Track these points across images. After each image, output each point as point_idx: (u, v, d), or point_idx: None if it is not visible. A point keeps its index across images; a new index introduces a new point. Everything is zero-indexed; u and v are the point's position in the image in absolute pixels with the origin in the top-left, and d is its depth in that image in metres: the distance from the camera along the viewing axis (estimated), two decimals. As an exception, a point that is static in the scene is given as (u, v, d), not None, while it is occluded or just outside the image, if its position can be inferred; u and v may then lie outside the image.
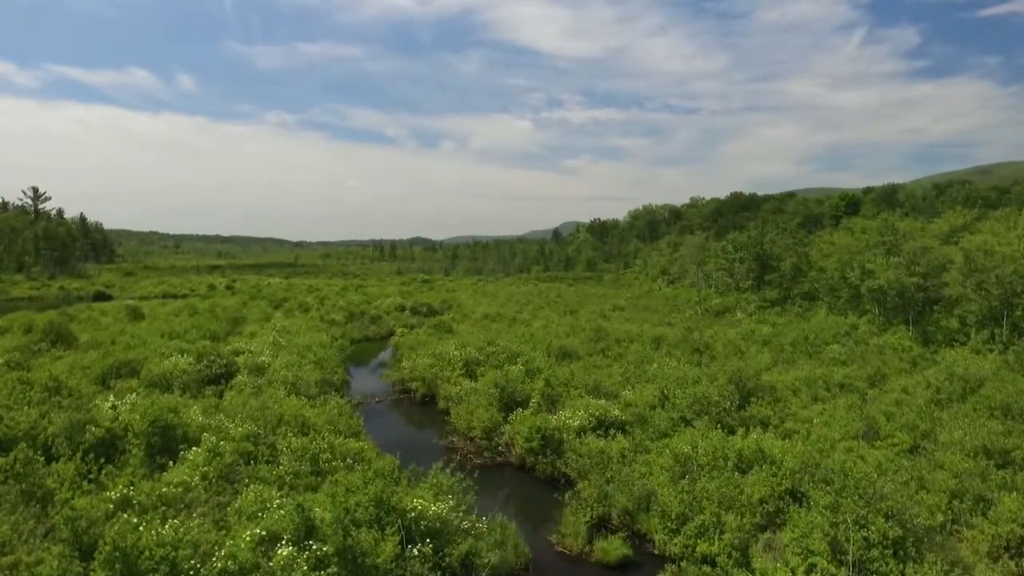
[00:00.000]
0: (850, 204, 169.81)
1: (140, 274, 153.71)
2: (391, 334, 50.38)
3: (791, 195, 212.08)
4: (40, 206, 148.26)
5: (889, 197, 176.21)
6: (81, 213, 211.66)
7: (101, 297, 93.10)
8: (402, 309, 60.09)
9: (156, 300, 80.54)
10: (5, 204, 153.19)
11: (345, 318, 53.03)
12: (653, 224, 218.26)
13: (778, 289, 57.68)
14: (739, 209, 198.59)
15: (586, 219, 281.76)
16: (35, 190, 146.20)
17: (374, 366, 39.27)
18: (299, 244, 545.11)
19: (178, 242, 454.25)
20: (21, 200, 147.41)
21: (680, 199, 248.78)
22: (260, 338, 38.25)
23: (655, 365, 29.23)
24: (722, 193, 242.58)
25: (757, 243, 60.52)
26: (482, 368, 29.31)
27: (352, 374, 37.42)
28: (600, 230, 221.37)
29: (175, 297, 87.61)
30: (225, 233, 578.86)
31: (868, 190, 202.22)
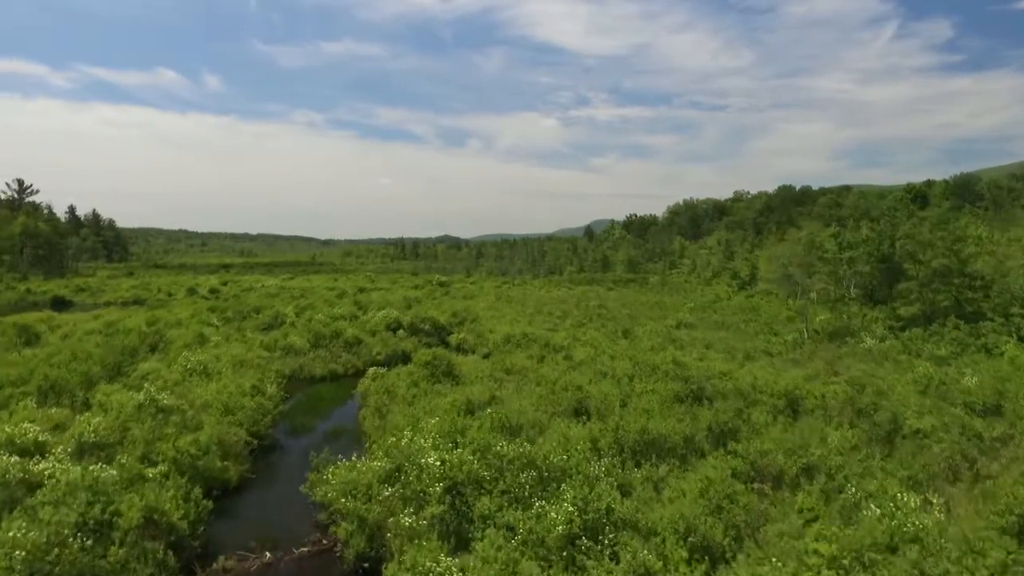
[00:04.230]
0: (917, 197, 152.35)
1: (139, 274, 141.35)
2: (372, 366, 35.03)
3: (847, 188, 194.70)
4: (28, 199, 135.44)
5: (962, 189, 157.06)
6: (94, 210, 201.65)
7: (59, 303, 79.43)
8: (395, 328, 44.56)
9: (114, 308, 66.20)
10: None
11: (310, 342, 37.72)
12: (695, 220, 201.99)
13: (918, 303, 41.22)
14: (792, 204, 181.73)
15: (614, 216, 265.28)
16: (20, 182, 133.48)
17: (322, 435, 23.78)
18: (326, 242, 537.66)
19: (205, 240, 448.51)
20: (6, 193, 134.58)
21: (711, 196, 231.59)
22: (129, 393, 23.09)
23: (852, 489, 13.68)
24: (752, 190, 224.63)
25: (886, 239, 44.06)
26: (487, 494, 13.71)
27: (281, 452, 22.09)
28: (639, 227, 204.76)
29: (142, 304, 73.41)
30: (253, 231, 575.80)
31: (929, 183, 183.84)
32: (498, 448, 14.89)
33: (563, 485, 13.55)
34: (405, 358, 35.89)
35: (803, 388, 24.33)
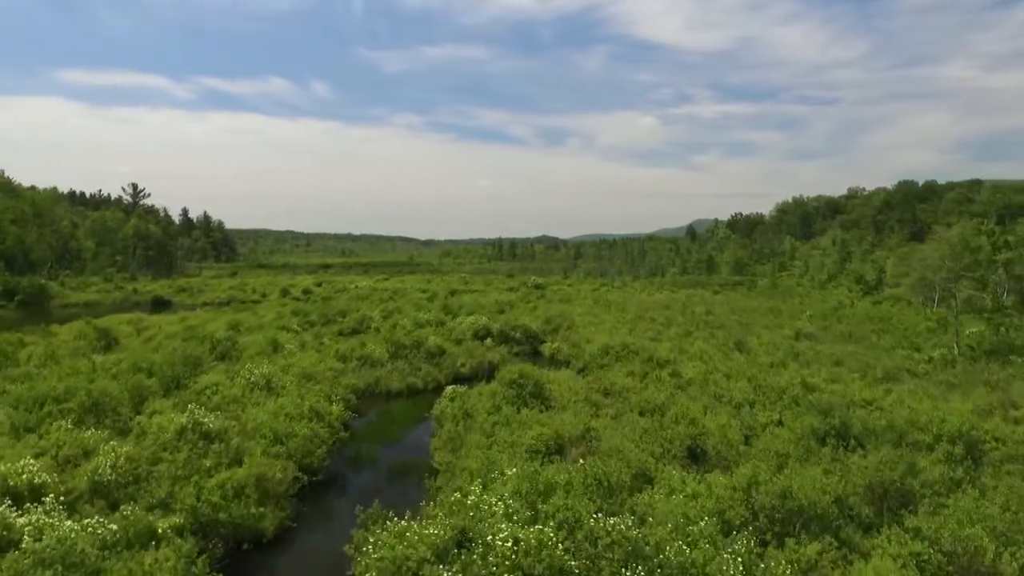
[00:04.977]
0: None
1: (242, 274, 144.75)
2: (455, 380, 31.84)
3: (977, 182, 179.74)
4: (141, 203, 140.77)
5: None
6: (204, 212, 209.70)
7: (159, 303, 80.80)
8: (484, 336, 41.13)
9: (208, 309, 65.98)
10: (112, 198, 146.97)
11: (389, 352, 34.75)
12: (806, 219, 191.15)
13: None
14: (915, 200, 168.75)
15: (716, 216, 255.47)
16: (134, 187, 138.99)
17: (385, 470, 20.44)
18: (427, 242, 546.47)
19: (310, 240, 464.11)
20: (123, 199, 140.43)
21: (820, 193, 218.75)
22: (172, 415, 20.50)
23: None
24: (865, 186, 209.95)
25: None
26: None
27: (336, 490, 18.88)
28: (745, 226, 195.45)
29: (230, 304, 73.32)
30: (356, 231, 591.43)
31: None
32: (591, 524, 10.98)
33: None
34: (492, 371, 32.39)
35: (980, 427, 19.29)
